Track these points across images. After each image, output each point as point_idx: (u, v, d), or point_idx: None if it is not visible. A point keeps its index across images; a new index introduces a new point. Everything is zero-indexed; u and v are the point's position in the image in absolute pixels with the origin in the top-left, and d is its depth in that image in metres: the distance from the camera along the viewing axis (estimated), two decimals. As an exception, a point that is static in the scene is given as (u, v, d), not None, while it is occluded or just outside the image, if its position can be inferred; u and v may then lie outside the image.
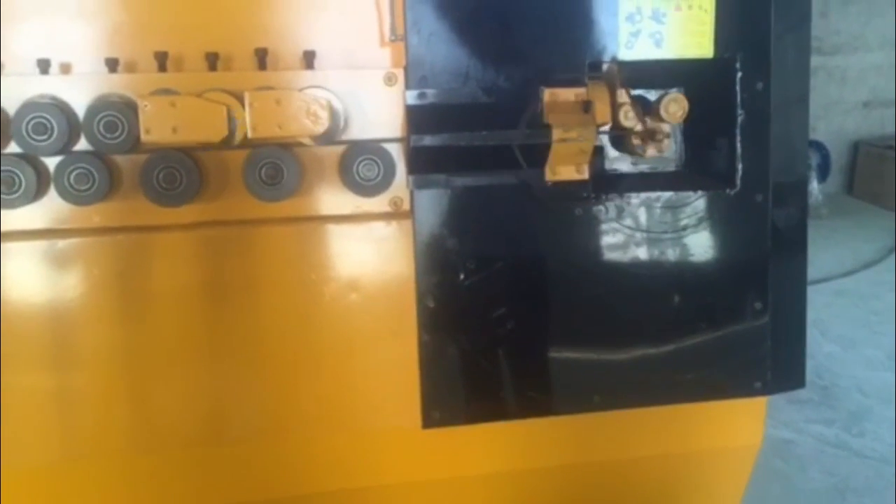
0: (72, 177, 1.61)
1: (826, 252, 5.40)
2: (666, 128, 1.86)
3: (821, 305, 4.57)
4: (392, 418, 1.88)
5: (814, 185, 6.42)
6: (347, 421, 1.87)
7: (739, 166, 1.89)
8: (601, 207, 1.87)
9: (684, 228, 1.92)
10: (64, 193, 1.62)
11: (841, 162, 7.67)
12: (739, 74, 1.86)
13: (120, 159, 1.67)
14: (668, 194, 1.90)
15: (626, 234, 1.89)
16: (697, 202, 1.91)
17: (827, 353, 3.95)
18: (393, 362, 1.85)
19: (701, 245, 1.93)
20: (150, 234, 1.72)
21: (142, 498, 1.85)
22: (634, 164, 2.02)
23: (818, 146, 7.02)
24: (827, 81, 7.58)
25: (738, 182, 1.90)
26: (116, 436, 1.79)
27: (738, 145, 1.89)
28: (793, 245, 2.00)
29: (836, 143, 7.52)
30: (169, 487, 1.86)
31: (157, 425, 1.80)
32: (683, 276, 1.92)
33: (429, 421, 1.86)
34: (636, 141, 1.86)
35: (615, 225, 1.89)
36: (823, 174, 7.02)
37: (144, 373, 1.77)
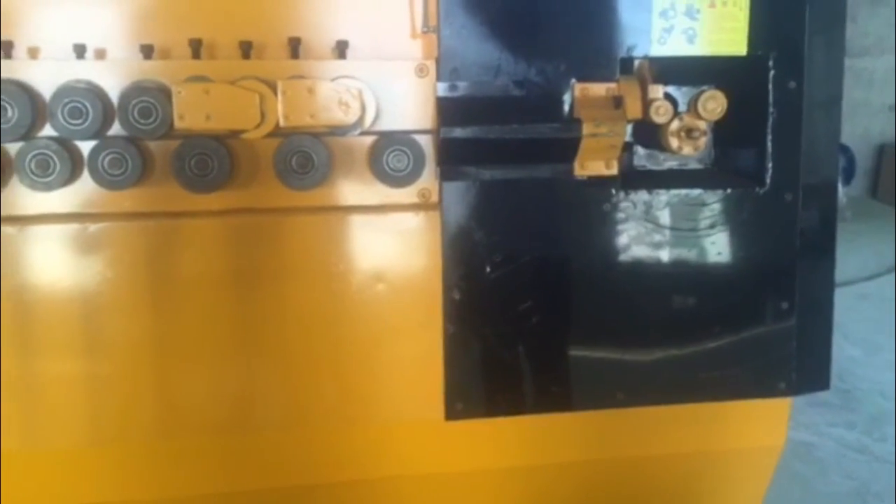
0: (105, 161, 1.62)
1: (849, 255, 5.35)
2: (702, 125, 1.84)
3: (843, 309, 4.50)
4: (415, 409, 1.88)
5: (838, 188, 6.38)
6: (371, 411, 1.88)
7: (769, 165, 1.88)
8: (629, 203, 1.87)
9: (712, 226, 1.91)
10: (97, 178, 1.63)
11: (866, 165, 7.60)
12: (772, 73, 1.85)
13: (153, 145, 1.68)
14: (696, 192, 1.89)
15: (653, 231, 1.89)
16: (726, 200, 1.90)
17: (849, 357, 3.92)
18: (418, 353, 1.85)
19: (728, 243, 1.92)
20: (180, 220, 1.73)
21: (165, 482, 1.87)
22: (663, 160, 2.01)
23: (843, 149, 6.95)
24: (854, 83, 7.50)
25: (768, 181, 1.89)
26: (142, 420, 1.80)
27: (769, 144, 1.87)
28: (821, 247, 1.99)
29: (862, 145, 7.45)
30: (192, 472, 1.87)
31: (182, 411, 1.81)
32: (710, 274, 1.92)
33: (452, 413, 1.86)
34: (672, 139, 1.85)
35: (643, 221, 1.88)
36: (848, 177, 6.96)
37: (170, 358, 1.78)
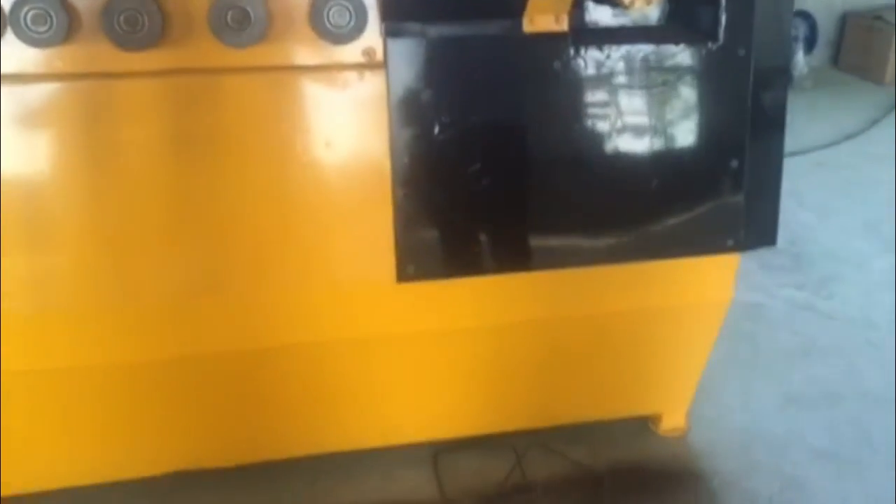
0: (28, 17, 1.54)
1: (808, 124, 5.36)
2: (655, -21, 1.79)
3: (798, 176, 4.55)
4: (366, 272, 1.88)
5: (799, 57, 6.30)
6: (321, 274, 1.88)
7: (723, 19, 1.85)
8: (580, 61, 1.83)
9: (664, 83, 1.88)
10: (21, 35, 1.55)
11: (828, 35, 7.51)
12: (726, -80, 1.79)
13: (78, 1, 1.59)
14: (649, 48, 1.85)
15: (605, 89, 1.86)
16: (679, 56, 1.87)
17: (802, 222, 3.97)
18: (367, 216, 1.84)
19: (681, 100, 1.90)
20: (115, 80, 1.66)
21: (120, 348, 1.87)
22: (615, 16, 1.96)
23: (805, 16, 6.85)
24: (819, -51, 7.33)
25: (721, 35, 1.86)
26: (88, 288, 1.78)
27: (722, -4, 1.83)
28: (773, 107, 1.98)
29: (825, 14, 7.34)
30: (144, 338, 1.87)
31: (129, 277, 1.80)
32: (661, 131, 1.90)
33: (403, 275, 1.86)
34: (624, -8, 1.79)
35: (594, 79, 1.85)
36: (810, 45, 6.86)
37: (113, 226, 1.75)
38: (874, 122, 5.69)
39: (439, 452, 2.38)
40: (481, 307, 2.02)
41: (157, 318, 1.85)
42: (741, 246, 2.01)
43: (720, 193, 1.96)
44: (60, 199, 1.72)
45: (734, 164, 1.95)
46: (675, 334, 2.23)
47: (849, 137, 5.37)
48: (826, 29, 7.39)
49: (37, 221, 1.72)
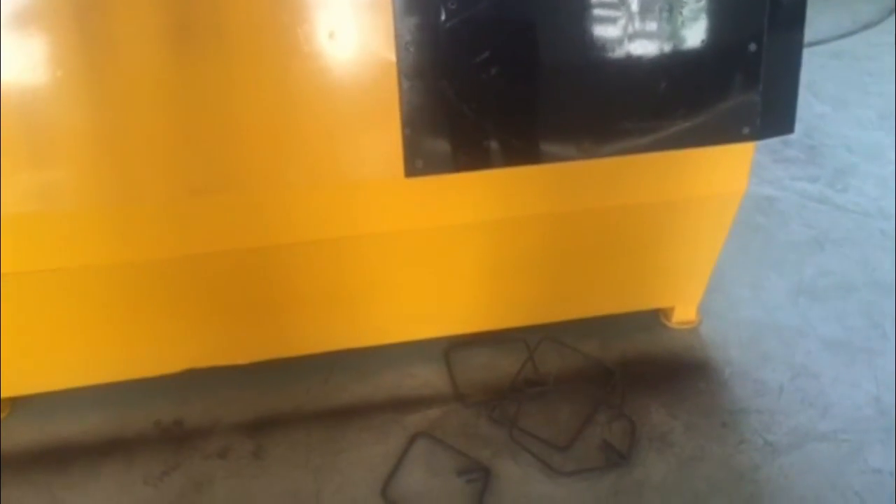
0: None
1: (824, 14, 5.21)
2: None
3: (815, 67, 4.46)
4: (375, 167, 1.84)
5: (817, -56, 6.10)
6: (329, 170, 1.84)
7: None
8: (592, -59, 1.74)
9: (680, -35, 1.80)
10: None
11: (847, -80, 7.23)
12: None
13: None
14: (663, -71, 1.76)
15: (618, -29, 1.78)
16: (695, -65, 1.78)
17: (818, 114, 3.89)
18: (373, 110, 1.79)
19: (698, -18, 1.82)
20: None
21: (123, 248, 1.86)
22: None
23: None
24: None
25: (740, -87, 1.77)
26: (91, 187, 1.75)
27: None
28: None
29: None
30: (150, 237, 1.86)
31: (132, 176, 1.77)
32: (678, 15, 1.83)
33: (411, 170, 1.82)
34: None
35: (607, -39, 1.77)
36: (828, -69, 6.63)
37: (115, 122, 1.71)
38: (891, 10, 5.52)
39: (452, 348, 2.39)
40: (492, 202, 1.99)
41: (163, 216, 1.83)
42: (757, 134, 1.95)
43: (737, 79, 1.90)
44: (59, 96, 1.67)
45: (752, 47, 1.88)
46: (687, 227, 2.20)
47: (866, 27, 5.22)
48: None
49: (37, 119, 1.67)
